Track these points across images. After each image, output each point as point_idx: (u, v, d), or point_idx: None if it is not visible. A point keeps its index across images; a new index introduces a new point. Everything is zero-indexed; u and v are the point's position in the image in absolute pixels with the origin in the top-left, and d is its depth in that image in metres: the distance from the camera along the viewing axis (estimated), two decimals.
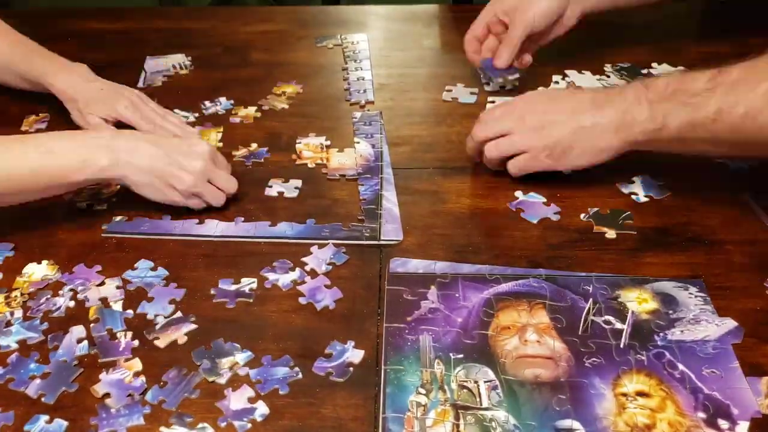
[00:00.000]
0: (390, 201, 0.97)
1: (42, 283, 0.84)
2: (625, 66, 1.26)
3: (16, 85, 1.14)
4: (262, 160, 1.05)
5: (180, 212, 0.94)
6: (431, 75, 1.27)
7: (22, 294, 0.83)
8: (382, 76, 1.27)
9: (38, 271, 0.86)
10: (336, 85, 1.24)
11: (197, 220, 0.93)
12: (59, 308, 0.81)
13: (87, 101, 1.07)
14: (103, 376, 0.74)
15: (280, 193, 0.98)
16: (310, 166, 1.04)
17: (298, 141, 1.09)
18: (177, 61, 1.31)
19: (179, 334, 0.78)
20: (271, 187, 0.99)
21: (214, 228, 0.93)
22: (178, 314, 0.81)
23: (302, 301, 0.82)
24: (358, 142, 1.09)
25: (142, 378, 0.73)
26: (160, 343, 0.78)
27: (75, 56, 1.31)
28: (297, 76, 1.26)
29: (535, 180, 0.98)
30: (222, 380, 0.73)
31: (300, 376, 0.73)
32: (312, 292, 0.83)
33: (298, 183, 1.00)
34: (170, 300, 0.82)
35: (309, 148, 1.08)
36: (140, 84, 1.25)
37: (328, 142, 1.09)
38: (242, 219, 0.94)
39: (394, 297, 0.81)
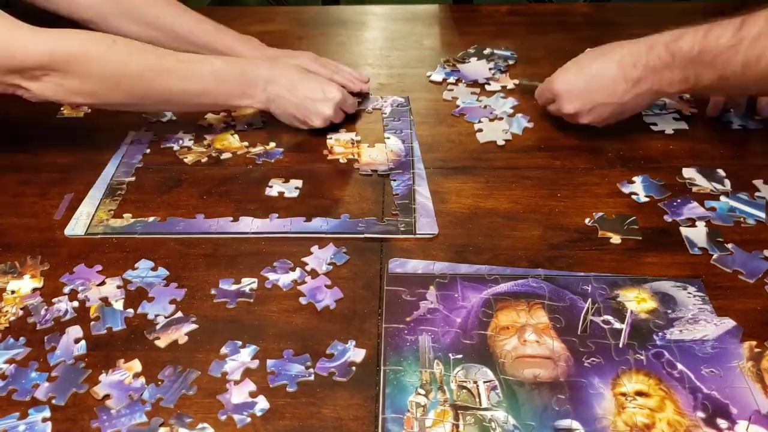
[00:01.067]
0: (423, 195, 0.98)
1: (34, 295, 0.83)
2: None
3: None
4: (273, 161, 1.06)
5: (213, 212, 0.95)
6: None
7: (15, 311, 0.82)
8: (382, 76, 1.27)
9: (25, 285, 0.85)
10: None
11: (231, 218, 0.94)
12: (66, 311, 0.81)
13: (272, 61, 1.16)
14: (103, 377, 0.74)
15: (281, 193, 0.98)
16: (342, 161, 1.05)
17: (329, 137, 1.10)
18: None
19: (179, 334, 0.79)
20: (271, 187, 1.00)
21: (249, 225, 0.93)
22: (179, 314, 0.81)
23: (302, 301, 0.82)
24: (388, 138, 1.10)
25: (142, 379, 0.73)
26: (161, 342, 0.78)
27: None
28: None
29: (536, 179, 0.99)
30: (236, 365, 0.75)
31: (312, 378, 0.74)
32: (312, 292, 0.83)
33: (299, 183, 1.00)
34: (171, 300, 0.83)
35: (340, 143, 1.09)
36: None
37: (359, 138, 1.10)
38: (276, 215, 0.94)
39: (393, 297, 0.82)
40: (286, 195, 0.98)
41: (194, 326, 0.79)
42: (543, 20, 1.45)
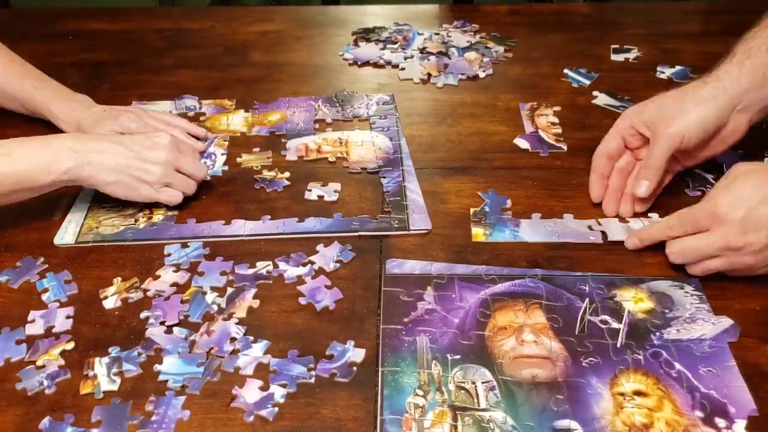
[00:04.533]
0: (414, 192, 0.98)
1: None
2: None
3: (16, 110, 1.11)
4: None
5: (206, 216, 0.95)
6: None
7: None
8: (382, 75, 1.27)
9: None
10: (335, 84, 1.24)
11: (223, 221, 0.94)
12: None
13: (92, 124, 1.04)
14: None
15: (320, 197, 0.98)
16: (330, 159, 1.05)
17: (314, 135, 1.10)
18: (163, 110, 1.17)
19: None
20: (310, 191, 0.99)
21: (242, 227, 0.93)
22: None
23: (302, 301, 0.82)
24: (376, 136, 1.10)
25: None
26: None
27: (75, 56, 1.33)
28: (296, 77, 1.27)
29: (536, 179, 0.99)
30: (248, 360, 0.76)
31: (312, 380, 0.74)
32: (312, 293, 0.83)
33: (338, 186, 0.99)
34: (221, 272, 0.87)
35: (328, 142, 1.09)
36: None
37: (347, 137, 1.10)
38: (269, 217, 0.94)
39: (391, 298, 0.82)
40: (326, 198, 0.98)
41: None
42: (543, 20, 1.44)
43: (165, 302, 0.82)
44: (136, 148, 0.91)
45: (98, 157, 0.88)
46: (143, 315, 0.81)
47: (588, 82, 1.22)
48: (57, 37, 1.39)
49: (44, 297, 0.83)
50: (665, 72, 1.25)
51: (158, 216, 0.95)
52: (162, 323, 0.80)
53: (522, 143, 1.07)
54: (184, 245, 0.90)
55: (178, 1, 3.13)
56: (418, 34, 1.38)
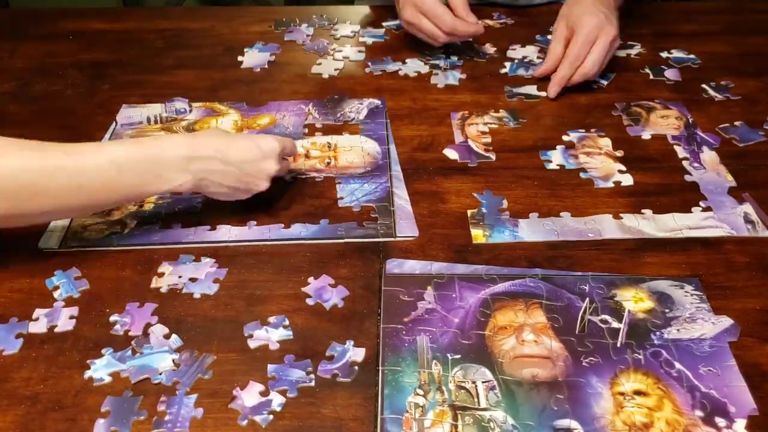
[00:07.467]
0: (401, 198, 0.98)
1: None
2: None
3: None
4: None
5: (191, 221, 0.94)
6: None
7: None
8: (382, 76, 1.27)
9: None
10: (336, 84, 1.24)
11: (209, 227, 0.93)
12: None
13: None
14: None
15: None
16: (318, 165, 1.04)
17: (303, 139, 1.10)
18: (153, 113, 1.17)
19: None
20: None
21: (227, 233, 0.92)
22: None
23: (309, 301, 0.82)
24: (365, 141, 1.09)
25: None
26: None
27: (75, 56, 1.33)
28: (296, 77, 1.27)
29: (535, 179, 0.99)
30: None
31: (313, 384, 0.74)
32: (318, 292, 0.83)
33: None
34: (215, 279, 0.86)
35: (316, 147, 1.08)
36: (106, 137, 1.11)
37: (335, 141, 1.09)
38: (254, 223, 0.94)
39: (391, 298, 0.82)
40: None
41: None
42: (543, 20, 1.44)
43: (138, 309, 0.82)
44: (246, 167, 0.88)
45: (211, 177, 0.86)
46: (112, 318, 0.81)
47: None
48: (57, 37, 1.39)
49: (56, 294, 0.84)
50: (665, 72, 1.25)
51: (144, 224, 0.94)
52: (126, 332, 0.79)
53: (451, 153, 1.06)
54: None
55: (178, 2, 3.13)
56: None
